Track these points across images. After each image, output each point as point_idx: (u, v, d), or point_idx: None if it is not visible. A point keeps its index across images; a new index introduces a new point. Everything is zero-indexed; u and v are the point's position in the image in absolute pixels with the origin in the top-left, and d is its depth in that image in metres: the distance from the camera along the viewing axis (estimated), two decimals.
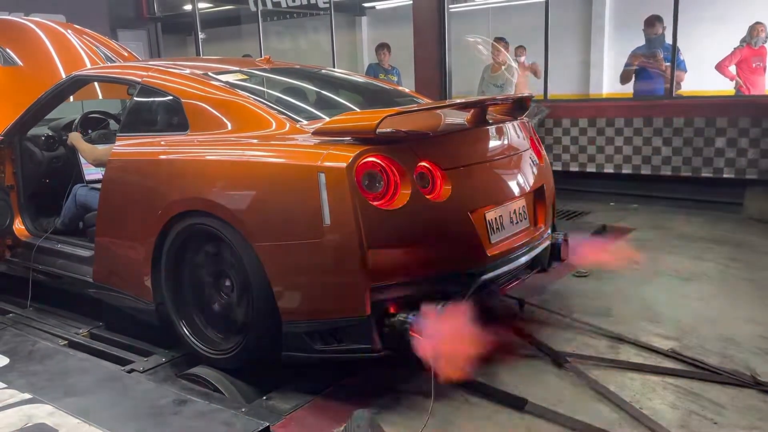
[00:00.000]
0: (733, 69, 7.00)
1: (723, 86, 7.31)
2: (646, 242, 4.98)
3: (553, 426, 2.46)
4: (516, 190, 3.12)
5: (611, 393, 2.67)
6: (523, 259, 3.07)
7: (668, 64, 6.46)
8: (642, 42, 6.81)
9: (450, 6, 7.57)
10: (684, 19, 6.44)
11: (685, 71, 6.68)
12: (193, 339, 3.01)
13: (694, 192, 6.22)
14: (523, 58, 8.13)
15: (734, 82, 7.07)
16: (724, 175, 6.02)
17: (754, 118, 5.84)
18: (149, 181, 3.10)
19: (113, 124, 4.41)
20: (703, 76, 7.27)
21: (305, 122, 2.90)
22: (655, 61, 6.59)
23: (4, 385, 2.78)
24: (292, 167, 2.63)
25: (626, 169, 6.56)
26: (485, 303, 3.27)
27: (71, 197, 3.96)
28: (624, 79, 7.02)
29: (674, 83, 6.40)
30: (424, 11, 7.57)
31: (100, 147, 3.74)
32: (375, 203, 2.51)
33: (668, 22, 6.45)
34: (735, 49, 6.93)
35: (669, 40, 6.46)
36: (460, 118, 3.30)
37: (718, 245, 4.85)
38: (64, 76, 4.25)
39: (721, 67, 7.01)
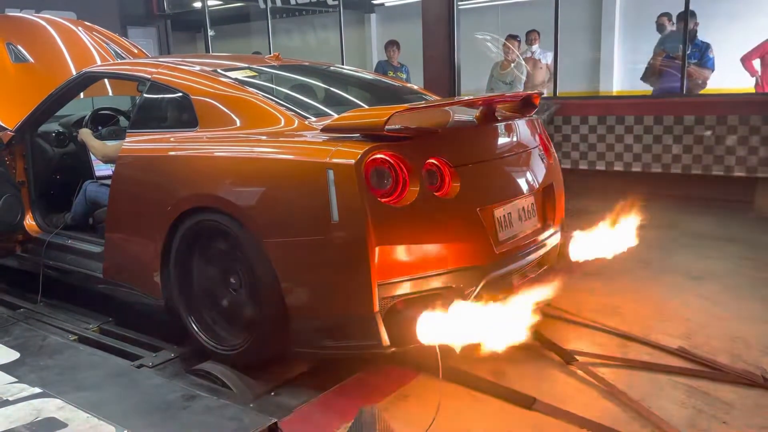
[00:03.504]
0: (757, 64, 6.90)
1: (736, 84, 7.25)
2: (655, 240, 4.95)
3: (561, 424, 2.45)
4: (525, 188, 3.12)
5: (620, 391, 2.66)
6: (532, 257, 3.07)
7: (694, 61, 6.41)
8: (654, 38, 6.77)
9: (459, 3, 7.55)
10: (698, 16, 6.43)
11: (712, 69, 6.59)
12: (201, 335, 3.02)
13: (705, 190, 6.18)
14: (536, 47, 7.98)
15: (754, 78, 6.99)
16: (735, 173, 5.98)
17: (766, 115, 5.79)
18: (159, 178, 3.11)
19: (123, 121, 4.43)
20: (715, 74, 7.22)
21: (314, 119, 2.90)
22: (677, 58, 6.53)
23: (15, 380, 2.80)
24: (301, 164, 2.63)
25: (636, 167, 6.53)
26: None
27: (81, 193, 3.98)
28: (650, 74, 6.95)
29: (684, 80, 6.36)
30: (434, 8, 7.56)
31: (110, 143, 3.76)
32: (383, 200, 2.51)
33: (676, 18, 6.42)
34: (762, 42, 6.82)
35: (701, 36, 6.41)
36: (468, 115, 3.30)
37: (729, 244, 4.82)
38: (74, 72, 4.27)
39: (745, 60, 6.90)
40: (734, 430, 2.41)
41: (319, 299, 2.62)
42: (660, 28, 7.08)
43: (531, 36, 7.94)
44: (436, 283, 2.63)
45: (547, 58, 7.84)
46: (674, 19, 6.94)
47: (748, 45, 6.97)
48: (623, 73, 10.05)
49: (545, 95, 7.33)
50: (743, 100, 6.15)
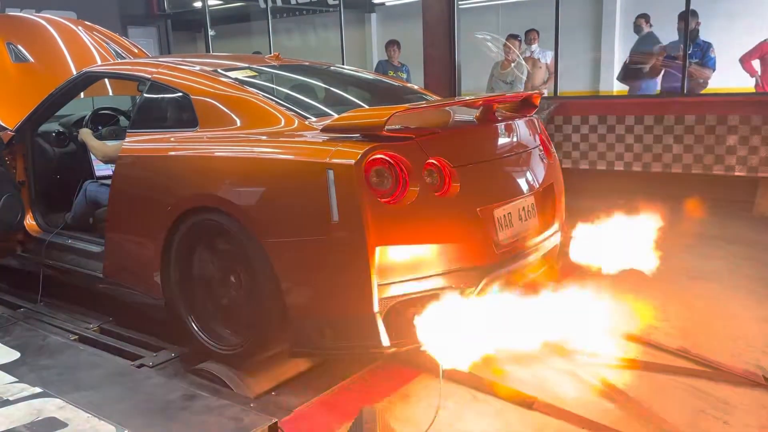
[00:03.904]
0: (756, 64, 6.89)
1: (736, 83, 7.25)
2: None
3: (561, 424, 2.45)
4: (525, 188, 3.11)
5: (620, 391, 2.66)
6: (532, 257, 3.06)
7: (696, 60, 6.42)
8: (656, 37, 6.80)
9: (459, 2, 7.54)
10: (699, 16, 6.43)
11: (714, 69, 6.59)
12: (201, 334, 3.03)
13: (705, 190, 6.17)
14: (535, 46, 7.95)
15: (754, 78, 6.98)
16: (736, 173, 5.97)
17: (766, 115, 5.79)
18: (159, 178, 3.11)
19: (123, 121, 4.43)
20: (717, 74, 7.22)
21: (314, 119, 2.90)
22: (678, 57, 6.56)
23: (15, 379, 2.80)
24: (301, 164, 2.63)
25: (636, 167, 6.53)
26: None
27: (81, 193, 3.98)
28: (652, 73, 6.99)
29: (686, 79, 6.36)
30: (434, 8, 7.55)
31: (110, 143, 3.76)
32: (383, 200, 2.50)
33: (675, 17, 6.42)
34: (759, 43, 6.82)
35: (702, 35, 6.45)
36: (469, 115, 3.29)
37: (729, 243, 4.81)
38: (74, 72, 4.27)
39: (744, 61, 6.90)
40: (735, 430, 2.40)
41: (319, 299, 2.62)
42: (637, 29, 7.28)
43: (530, 36, 7.93)
44: (436, 283, 2.63)
45: (546, 58, 7.83)
46: (652, 21, 7.05)
47: (749, 45, 6.96)
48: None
49: (545, 95, 7.33)
50: (744, 100, 6.14)
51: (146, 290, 3.23)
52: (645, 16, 7.19)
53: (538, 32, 7.91)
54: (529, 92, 3.45)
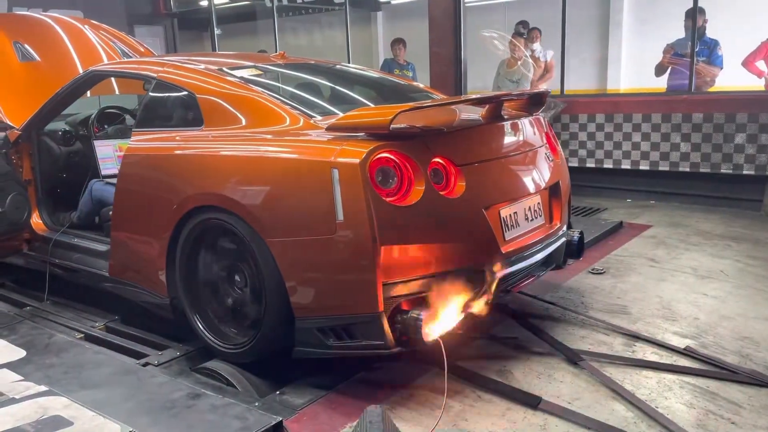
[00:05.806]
0: (762, 65, 6.83)
1: (743, 82, 7.20)
2: (663, 239, 4.93)
3: (567, 424, 2.44)
4: (531, 187, 3.10)
5: (626, 391, 2.64)
6: (538, 256, 3.05)
7: (703, 58, 6.38)
8: (663, 35, 6.75)
9: (466, 0, 7.52)
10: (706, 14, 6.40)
11: (721, 67, 6.56)
12: (206, 333, 3.03)
13: (713, 189, 6.14)
14: (536, 45, 7.92)
15: (763, 79, 6.92)
16: (744, 172, 5.94)
17: None
18: (164, 176, 3.11)
19: (130, 120, 4.43)
20: (724, 72, 7.17)
21: (319, 118, 2.89)
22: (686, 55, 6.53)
23: (21, 378, 2.81)
24: (306, 163, 2.62)
25: (644, 166, 6.50)
26: (499, 300, 3.26)
27: (87, 192, 3.99)
28: (659, 71, 6.96)
29: (693, 78, 6.32)
30: (440, 6, 7.53)
31: None
32: (388, 199, 2.50)
33: (681, 15, 6.39)
34: (762, 42, 6.77)
35: (709, 33, 6.44)
36: (474, 113, 3.28)
37: (737, 243, 4.79)
38: (81, 71, 4.28)
39: (747, 64, 6.83)
40: (742, 430, 2.39)
41: (324, 299, 2.61)
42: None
43: (532, 34, 7.92)
44: (442, 282, 2.62)
45: (547, 56, 7.82)
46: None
47: (756, 43, 6.90)
48: (631, 71, 9.98)
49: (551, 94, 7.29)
50: (753, 98, 6.10)
51: (151, 289, 3.23)
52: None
53: (540, 30, 7.89)
54: (537, 90, 3.44)
